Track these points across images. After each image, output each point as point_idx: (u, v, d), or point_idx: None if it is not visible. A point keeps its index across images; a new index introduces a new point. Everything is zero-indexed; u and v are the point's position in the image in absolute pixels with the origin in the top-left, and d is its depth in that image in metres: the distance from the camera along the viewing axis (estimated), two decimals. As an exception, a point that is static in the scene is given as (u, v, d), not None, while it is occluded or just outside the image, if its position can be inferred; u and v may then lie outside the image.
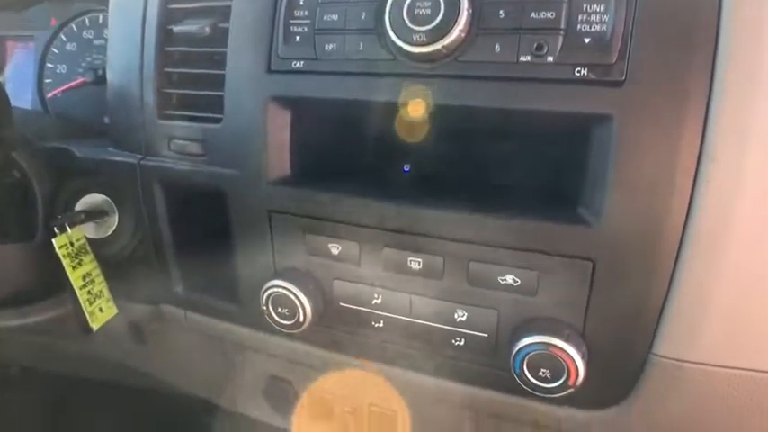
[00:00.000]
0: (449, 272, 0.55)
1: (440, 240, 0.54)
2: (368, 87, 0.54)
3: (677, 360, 0.50)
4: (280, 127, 0.59)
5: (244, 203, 0.62)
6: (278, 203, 0.60)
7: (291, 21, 0.56)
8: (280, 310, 0.61)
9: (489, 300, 0.54)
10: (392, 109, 0.54)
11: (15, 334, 0.90)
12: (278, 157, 0.60)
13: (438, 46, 0.48)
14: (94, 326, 0.78)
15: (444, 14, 0.48)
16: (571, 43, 0.46)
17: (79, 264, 0.77)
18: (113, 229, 0.81)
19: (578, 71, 0.46)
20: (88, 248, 0.79)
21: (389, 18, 0.50)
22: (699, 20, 0.43)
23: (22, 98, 0.99)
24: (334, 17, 0.54)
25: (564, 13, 0.46)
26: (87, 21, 0.96)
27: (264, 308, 0.62)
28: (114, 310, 0.82)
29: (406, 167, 0.62)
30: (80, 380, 1.13)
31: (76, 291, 0.76)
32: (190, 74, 0.65)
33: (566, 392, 0.51)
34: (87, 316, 0.78)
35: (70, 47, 0.97)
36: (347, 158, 0.62)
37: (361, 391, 0.77)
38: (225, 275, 0.69)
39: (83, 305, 0.77)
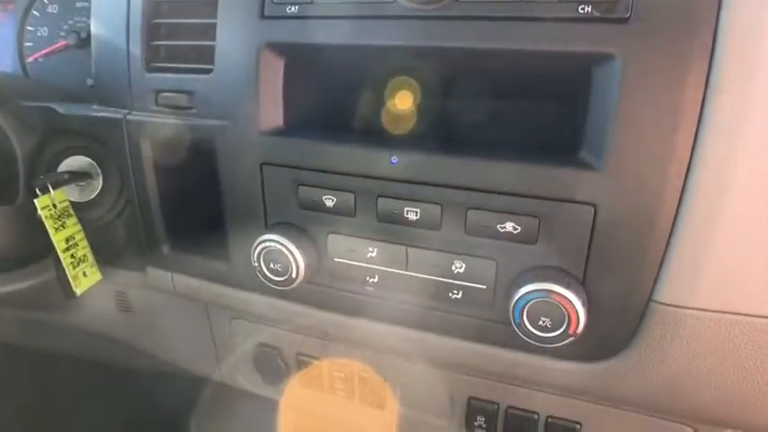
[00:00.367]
0: (446, 221, 0.53)
1: (438, 188, 0.53)
2: (366, 31, 0.52)
3: (678, 306, 0.49)
4: (273, 75, 0.57)
5: (234, 156, 0.61)
6: (270, 155, 0.59)
7: (286, -37, 0.54)
8: (272, 265, 0.59)
9: (488, 250, 0.53)
10: (390, 55, 0.52)
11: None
12: (271, 107, 0.58)
13: (438, -15, 0.47)
14: (78, 290, 0.76)
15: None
16: (575, -20, 0.45)
17: (62, 226, 0.75)
18: (97, 191, 0.78)
19: (582, 8, 0.45)
20: (72, 211, 0.77)
21: (388, -43, 0.48)
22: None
23: (2, 62, 0.96)
24: None
25: (567, -52, 0.45)
26: (70, -18, 0.93)
27: (256, 264, 0.60)
28: (98, 276, 0.80)
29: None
30: (62, 356, 1.10)
31: (60, 254, 0.74)
32: (179, 24, 0.63)
33: (566, 342, 0.50)
34: (71, 280, 0.76)
35: (51, 9, 0.94)
36: (343, 110, 0.60)
37: (350, 357, 0.76)
38: (214, 234, 0.67)
39: (66, 269, 0.75)
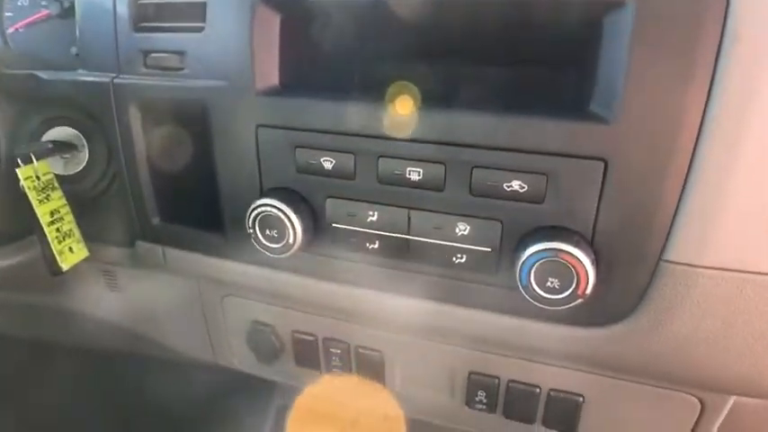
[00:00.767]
0: (450, 181, 0.52)
1: (442, 146, 0.51)
2: (365, -18, 0.50)
3: (690, 265, 0.48)
4: (268, 32, 0.55)
5: (228, 119, 0.58)
6: (266, 116, 0.56)
7: None
8: (268, 232, 0.57)
9: (493, 210, 0.51)
10: (390, 8, 0.50)
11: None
12: (266, 65, 0.55)
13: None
14: (64, 266, 0.73)
15: None
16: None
17: (46, 199, 0.72)
18: (83, 164, 0.75)
19: (593, -47, 0.44)
20: (56, 184, 0.74)
21: None
22: None
23: (-19, 34, 0.92)
24: None
25: None
26: (52, -52, 0.89)
27: (251, 231, 0.58)
28: (85, 252, 0.77)
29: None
30: (48, 344, 1.07)
31: (44, 227, 0.71)
32: (168, -20, 0.60)
33: (574, 303, 0.49)
34: (56, 255, 0.72)
35: (33, -23, 0.90)
36: (341, 68, 0.58)
37: (347, 333, 0.74)
38: (206, 204, 0.65)
39: (51, 243, 0.72)
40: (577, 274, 0.47)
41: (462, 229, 0.53)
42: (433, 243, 0.54)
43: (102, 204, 0.76)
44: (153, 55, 0.60)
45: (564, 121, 0.47)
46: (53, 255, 0.72)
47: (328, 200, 0.57)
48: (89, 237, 0.77)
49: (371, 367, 0.75)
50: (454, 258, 0.54)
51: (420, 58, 0.54)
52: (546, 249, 0.48)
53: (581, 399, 0.66)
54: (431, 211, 0.53)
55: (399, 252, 0.56)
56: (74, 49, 0.78)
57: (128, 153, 0.66)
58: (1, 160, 0.71)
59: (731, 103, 0.43)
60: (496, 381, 0.69)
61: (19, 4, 0.90)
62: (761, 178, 0.44)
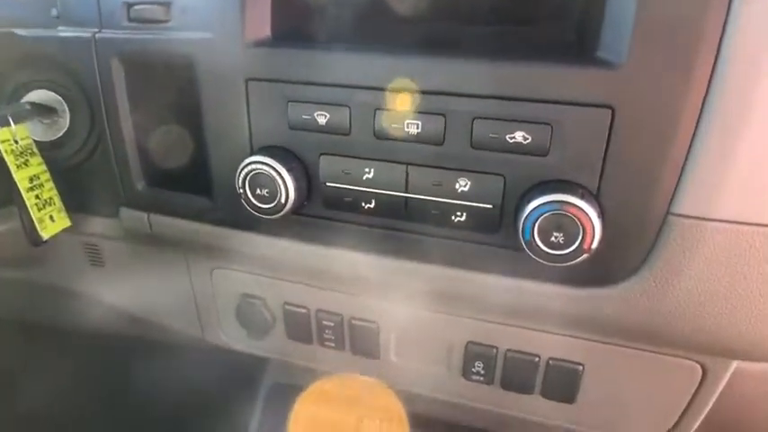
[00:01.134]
0: (450, 134, 0.49)
1: (441, 96, 0.48)
2: None
3: (698, 218, 0.46)
4: (259, -21, 0.52)
5: (216, 73, 0.55)
6: (257, 69, 0.54)
7: None
8: (258, 191, 0.55)
9: (495, 164, 0.49)
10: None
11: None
12: (257, 14, 0.53)
13: None
14: (44, 234, 0.70)
15: None
16: None
17: (25, 164, 0.69)
18: (65, 130, 0.72)
19: None
20: (36, 150, 0.70)
21: None
22: None
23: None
24: None
25: None
26: None
27: (241, 190, 0.55)
28: (67, 222, 0.74)
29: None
30: (30, 322, 1.03)
31: (23, 193, 0.68)
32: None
33: (579, 259, 0.47)
34: (36, 224, 0.69)
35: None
36: (335, 16, 0.56)
37: (341, 305, 0.72)
38: (194, 166, 0.62)
39: (30, 210, 0.69)
40: (583, 228, 0.45)
41: (462, 185, 0.51)
42: (432, 201, 0.52)
43: (84, 173, 0.73)
44: (136, 7, 0.57)
45: (570, 67, 0.45)
46: (33, 223, 0.69)
47: (322, 157, 0.54)
48: (71, 207, 0.74)
49: (366, 340, 0.73)
50: (453, 217, 0.52)
51: (419, 5, 0.51)
52: (551, 202, 0.46)
53: (581, 368, 0.65)
54: (429, 166, 0.51)
55: (396, 212, 0.54)
56: (54, 11, 0.74)
57: (111, 113, 0.63)
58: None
59: (746, 44, 0.41)
60: (495, 350, 0.67)
61: (-4, -35, 0.86)
62: (773, 125, 0.42)
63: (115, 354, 1.09)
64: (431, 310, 0.66)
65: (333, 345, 0.75)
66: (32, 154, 0.70)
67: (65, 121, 0.72)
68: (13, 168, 0.66)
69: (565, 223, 0.46)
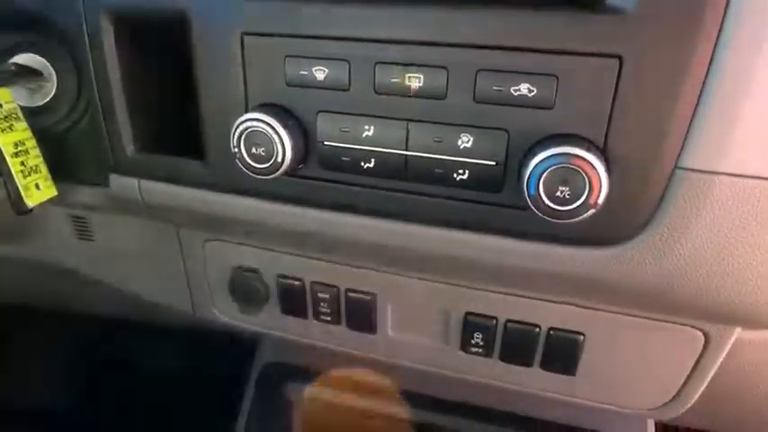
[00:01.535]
0: (453, 87, 0.48)
1: (444, 48, 0.47)
2: None
3: (707, 172, 0.45)
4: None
5: (211, 27, 0.53)
6: (253, 22, 0.52)
7: None
8: (254, 150, 0.53)
9: (499, 118, 0.48)
10: None
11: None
12: (253, -35, 0.51)
13: None
14: (29, 202, 0.67)
15: None
16: None
17: (9, 129, 0.66)
18: (51, 95, 0.70)
19: None
20: (20, 115, 0.68)
21: None
22: None
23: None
24: None
25: None
26: None
27: (236, 149, 0.54)
28: (54, 191, 0.71)
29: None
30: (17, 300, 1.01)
31: (7, 159, 0.65)
32: None
33: (586, 215, 0.46)
34: (21, 191, 0.67)
35: None
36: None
37: (336, 276, 0.70)
38: (186, 127, 0.60)
39: (15, 177, 0.66)
40: (590, 181, 0.44)
41: (465, 140, 0.49)
42: (433, 158, 0.51)
43: (71, 140, 0.70)
44: (127, -40, 0.55)
45: (576, 15, 0.43)
46: (18, 191, 0.67)
47: (320, 114, 0.53)
48: (58, 177, 0.72)
49: (362, 312, 0.72)
50: (455, 175, 0.51)
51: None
52: (556, 155, 0.44)
53: (582, 337, 0.64)
54: (431, 122, 0.50)
55: (396, 171, 0.53)
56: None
57: (100, 74, 0.61)
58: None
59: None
60: (494, 321, 0.66)
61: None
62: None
63: (104, 332, 1.07)
64: (429, 279, 0.65)
65: (328, 318, 0.74)
66: (17, 119, 0.67)
67: (51, 86, 0.70)
68: (-4, 132, 0.64)
69: (571, 177, 0.45)
